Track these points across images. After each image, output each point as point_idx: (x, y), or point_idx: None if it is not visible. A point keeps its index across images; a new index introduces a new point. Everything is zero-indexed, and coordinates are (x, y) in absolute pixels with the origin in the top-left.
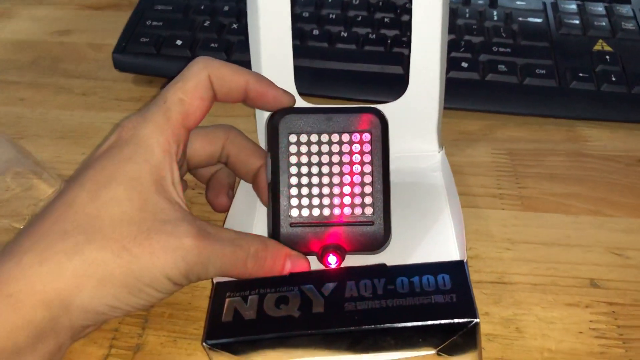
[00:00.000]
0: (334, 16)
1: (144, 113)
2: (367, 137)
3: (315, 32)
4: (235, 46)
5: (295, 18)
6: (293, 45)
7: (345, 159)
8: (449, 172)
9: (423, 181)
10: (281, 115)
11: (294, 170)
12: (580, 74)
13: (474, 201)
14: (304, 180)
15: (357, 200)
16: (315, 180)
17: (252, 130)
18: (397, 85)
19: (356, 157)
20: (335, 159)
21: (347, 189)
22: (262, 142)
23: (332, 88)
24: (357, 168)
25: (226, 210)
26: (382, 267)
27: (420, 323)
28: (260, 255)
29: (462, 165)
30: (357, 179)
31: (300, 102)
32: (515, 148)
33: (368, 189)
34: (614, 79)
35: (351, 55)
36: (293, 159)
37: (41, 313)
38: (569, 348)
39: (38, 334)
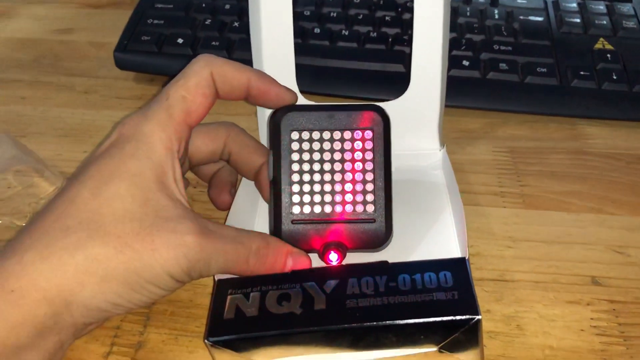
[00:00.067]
0: (335, 14)
1: (146, 111)
2: (369, 134)
3: (317, 30)
4: (236, 44)
5: (297, 16)
6: (294, 43)
7: (347, 156)
8: (450, 170)
9: (424, 179)
10: (283, 112)
11: (295, 167)
12: (581, 73)
13: (475, 199)
14: (306, 177)
15: (359, 198)
16: (317, 177)
17: (254, 128)
18: (398, 83)
19: (358, 155)
20: (337, 156)
21: (348, 187)
22: (264, 140)
23: (333, 86)
24: (358, 165)
25: (229, 208)
26: (383, 264)
27: (422, 320)
28: (262, 252)
29: (464, 163)
30: (358, 176)
31: (302, 100)
32: (516, 146)
33: (370, 187)
34: (615, 77)
35: (352, 54)
36: (295, 156)
37: (43, 310)
38: (570, 345)
39: (40, 331)
